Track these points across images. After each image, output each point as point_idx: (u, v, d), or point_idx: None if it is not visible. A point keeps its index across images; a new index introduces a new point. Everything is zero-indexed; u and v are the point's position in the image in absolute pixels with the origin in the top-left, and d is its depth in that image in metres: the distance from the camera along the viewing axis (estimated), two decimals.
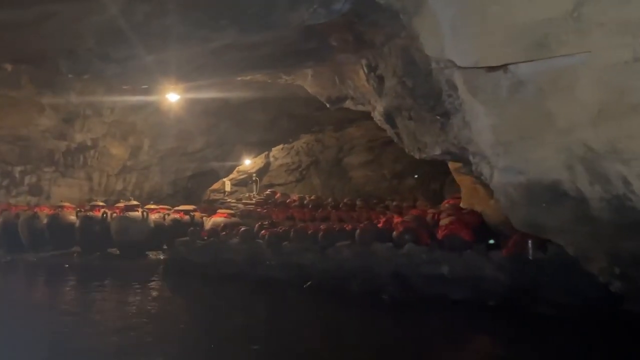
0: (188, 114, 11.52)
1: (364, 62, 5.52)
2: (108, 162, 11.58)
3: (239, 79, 7.66)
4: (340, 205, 14.88)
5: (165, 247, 8.23)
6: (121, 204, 8.71)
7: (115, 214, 8.01)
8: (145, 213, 8.09)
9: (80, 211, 8.63)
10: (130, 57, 5.55)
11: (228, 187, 18.23)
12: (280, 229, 6.73)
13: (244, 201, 16.72)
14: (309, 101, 11.79)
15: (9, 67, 8.04)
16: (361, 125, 16.29)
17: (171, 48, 5.35)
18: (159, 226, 8.24)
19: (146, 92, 8.55)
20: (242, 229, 6.80)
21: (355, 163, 19.19)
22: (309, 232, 6.41)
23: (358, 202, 15.51)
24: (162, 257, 8.18)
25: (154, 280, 6.95)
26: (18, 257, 8.01)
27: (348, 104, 6.82)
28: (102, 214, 8.26)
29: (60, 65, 6.26)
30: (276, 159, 19.52)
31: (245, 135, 13.77)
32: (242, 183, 19.56)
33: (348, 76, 6.40)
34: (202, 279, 6.77)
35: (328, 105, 7.09)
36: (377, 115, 6.02)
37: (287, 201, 15.95)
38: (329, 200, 15.57)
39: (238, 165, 16.25)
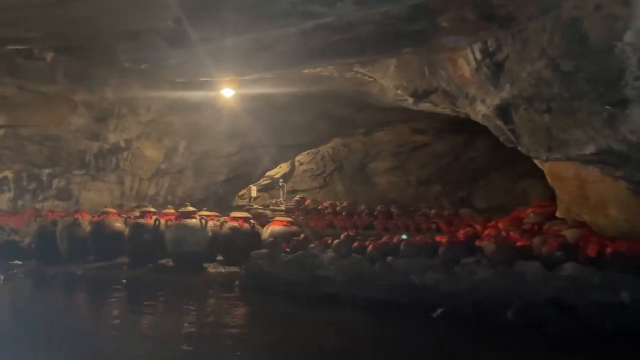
0: (228, 114, 10.80)
1: (477, 46, 4.76)
2: (141, 164, 10.80)
3: (305, 71, 6.92)
4: (376, 213, 14.15)
5: (220, 258, 7.41)
6: (171, 210, 7.83)
7: (170, 222, 7.11)
8: (203, 221, 7.22)
9: (129, 218, 7.78)
10: (208, 39, 4.79)
11: (254, 193, 17.48)
12: (386, 239, 5.84)
13: (271, 207, 16.00)
14: (350, 101, 11.07)
15: (48, 57, 7.28)
16: (393, 128, 15.59)
17: (259, 28, 4.59)
18: (215, 235, 7.37)
19: (200, 86, 7.83)
20: (336, 240, 5.89)
21: (380, 169, 18.57)
22: (423, 244, 5.51)
23: (393, 210, 14.84)
24: (222, 270, 7.41)
25: (231, 299, 6.13)
26: (62, 270, 7.14)
27: (434, 98, 6.05)
28: (155, 222, 7.42)
29: (118, 52, 5.51)
30: (301, 163, 18.81)
31: (281, 137, 13.02)
32: (265, 189, 18.84)
33: (441, 65, 5.65)
34: (291, 299, 5.76)
35: (411, 101, 6.34)
36: (482, 110, 5.25)
37: (319, 208, 15.19)
38: (362, 207, 14.87)
39: (270, 170, 15.51)
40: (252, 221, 7.62)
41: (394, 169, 18.10)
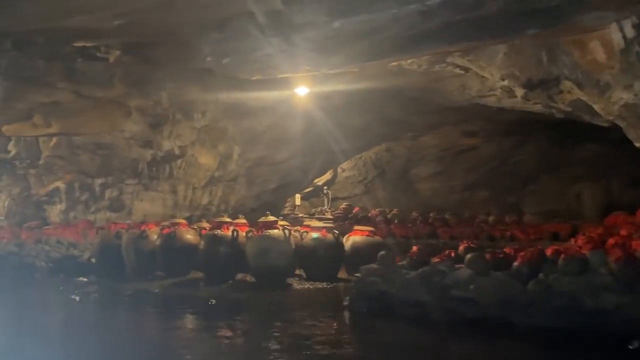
0: (283, 119, 10.26)
1: (627, 22, 4.08)
2: (195, 172, 10.27)
3: (392, 64, 6.29)
4: (431, 220, 13.45)
5: (301, 272, 6.71)
6: (242, 220, 7.15)
7: (252, 233, 6.37)
8: (287, 231, 6.49)
9: (203, 229, 7.14)
10: (311, 24, 4.21)
11: (298, 201, 16.88)
12: (532, 251, 5.01)
13: (317, 216, 15.40)
14: (409, 103, 10.42)
15: (112, 57, 6.78)
16: (441, 131, 14.88)
17: (375, 8, 3.99)
18: (296, 247, 6.63)
19: (267, 86, 7.27)
20: (469, 254, 5.05)
21: (423, 174, 17.88)
22: (579, 258, 4.64)
23: (448, 217, 14.12)
24: (309, 286, 6.63)
25: (342, 324, 5.31)
26: (137, 288, 6.46)
27: (552, 89, 5.35)
28: (233, 233, 6.76)
29: (202, 44, 4.95)
30: (343, 170, 18.19)
31: (334, 142, 12.40)
32: (307, 196, 18.28)
33: (564, 50, 4.96)
34: (422, 326, 4.76)
35: (523, 92, 5.64)
36: (625, 98, 4.55)
37: (369, 215, 14.52)
38: (415, 214, 14.19)
39: (319, 177, 14.91)
40: (335, 231, 6.86)
41: (438, 174, 17.41)
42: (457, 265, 5.00)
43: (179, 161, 9.99)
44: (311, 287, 6.75)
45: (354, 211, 15.61)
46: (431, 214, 13.96)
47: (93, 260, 7.57)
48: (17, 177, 9.29)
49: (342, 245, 6.58)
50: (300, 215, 15.85)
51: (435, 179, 17.51)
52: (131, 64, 7.67)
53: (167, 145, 9.62)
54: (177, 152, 9.80)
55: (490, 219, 13.04)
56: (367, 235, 6.98)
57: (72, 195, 9.57)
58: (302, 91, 7.73)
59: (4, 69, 7.17)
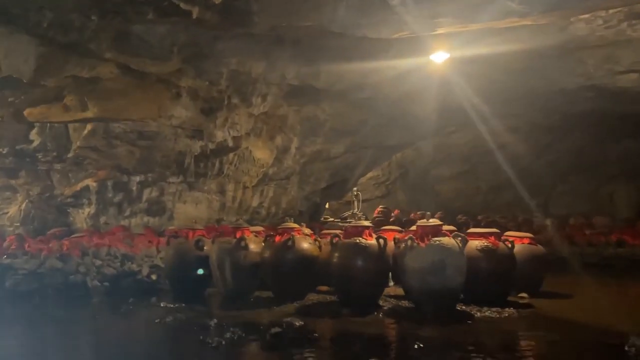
0: (347, 105, 8.81)
1: None
2: (248, 169, 8.70)
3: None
4: (483, 224, 12.19)
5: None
6: (356, 223, 5.47)
7: (412, 241, 4.54)
8: (459, 239, 4.75)
9: (335, 237, 5.38)
10: None
11: (327, 204, 15.47)
12: None
13: (349, 220, 13.97)
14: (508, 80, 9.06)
15: (195, 11, 5.18)
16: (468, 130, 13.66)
17: None
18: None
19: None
20: None
21: (445, 175, 16.83)
22: None
23: (498, 219, 12.93)
24: (492, 314, 4.64)
25: None
26: (249, 317, 4.63)
27: None
28: (378, 241, 4.99)
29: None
30: None
31: (387, 135, 11.03)
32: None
33: None
34: None
35: None
36: None
37: (412, 217, 13.11)
38: (461, 217, 12.96)
39: (363, 175, 13.50)
40: (508, 240, 5.11)
41: (462, 174, 16.41)
42: None
43: (230, 155, 8.41)
44: (495, 315, 4.65)
45: (393, 214, 14.15)
46: (479, 217, 12.82)
47: (153, 277, 5.90)
48: (38, 173, 7.56)
49: (513, 257, 4.93)
50: (330, 219, 14.36)
51: (458, 180, 16.49)
52: (194, 31, 6.14)
53: (220, 135, 8.03)
54: (230, 143, 8.21)
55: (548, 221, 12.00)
56: (529, 244, 5.38)
57: (103, 196, 7.89)
58: (440, 57, 6.17)
59: (44, 28, 5.54)
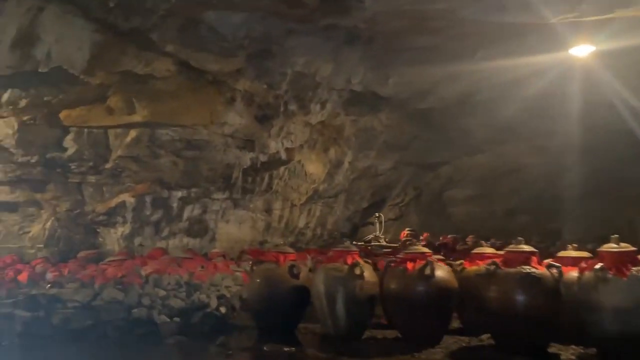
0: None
1: None
2: (298, 185, 7.82)
3: None
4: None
5: None
6: (516, 248, 4.35)
7: (606, 274, 3.46)
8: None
9: (476, 262, 4.50)
10: None
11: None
12: None
13: (373, 243, 13.13)
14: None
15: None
16: (507, 146, 13.02)
17: None
18: None
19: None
20: None
21: (459, 197, 16.06)
22: None
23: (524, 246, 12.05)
24: None
25: None
26: None
27: None
28: (551, 270, 3.97)
29: None
30: None
31: (433, 151, 10.37)
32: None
33: None
34: None
35: None
36: None
37: (445, 241, 12.29)
38: (493, 241, 12.22)
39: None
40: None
41: (477, 197, 15.70)
42: None
43: (281, 169, 7.53)
44: None
45: (422, 237, 13.27)
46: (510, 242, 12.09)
47: (222, 309, 4.86)
48: (68, 187, 6.53)
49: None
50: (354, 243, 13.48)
51: (472, 202, 15.77)
52: (275, 19, 5.32)
53: (273, 146, 7.15)
54: (283, 156, 7.33)
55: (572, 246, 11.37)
56: None
57: (140, 214, 6.90)
58: (582, 51, 5.30)
59: (105, 10, 4.66)
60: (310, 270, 4.61)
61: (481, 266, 4.27)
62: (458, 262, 4.74)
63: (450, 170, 15.40)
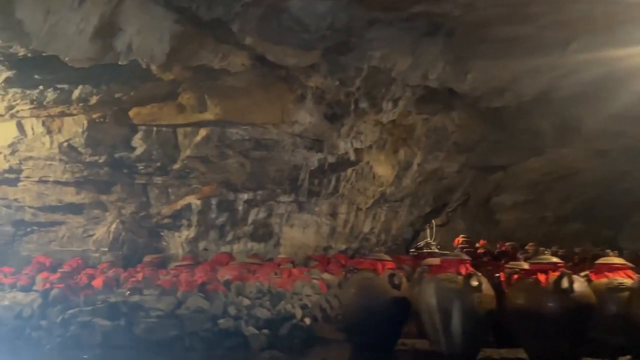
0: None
1: None
2: (365, 188, 7.44)
3: None
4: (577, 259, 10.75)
5: None
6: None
7: None
8: None
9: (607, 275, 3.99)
10: None
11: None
12: None
13: (425, 250, 12.69)
14: None
15: None
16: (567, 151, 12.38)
17: None
18: None
19: None
20: None
21: (507, 203, 15.38)
22: None
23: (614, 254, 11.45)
24: None
25: None
26: None
27: None
28: None
29: None
30: None
31: (498, 153, 9.89)
32: None
33: None
34: None
35: None
36: None
37: (504, 249, 11.71)
38: (555, 249, 11.60)
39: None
40: None
41: (526, 203, 15.04)
42: None
43: (349, 170, 7.16)
44: None
45: (478, 244, 12.73)
46: (576, 249, 11.46)
47: (307, 321, 4.48)
48: (134, 188, 6.31)
49: None
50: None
51: (521, 209, 15.13)
52: (360, 8, 4.99)
53: (342, 146, 6.80)
54: (351, 157, 6.98)
55: None
56: None
57: (206, 217, 6.62)
58: None
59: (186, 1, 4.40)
60: (408, 279, 4.21)
61: (611, 278, 3.79)
62: (583, 274, 4.23)
63: (499, 176, 14.79)
